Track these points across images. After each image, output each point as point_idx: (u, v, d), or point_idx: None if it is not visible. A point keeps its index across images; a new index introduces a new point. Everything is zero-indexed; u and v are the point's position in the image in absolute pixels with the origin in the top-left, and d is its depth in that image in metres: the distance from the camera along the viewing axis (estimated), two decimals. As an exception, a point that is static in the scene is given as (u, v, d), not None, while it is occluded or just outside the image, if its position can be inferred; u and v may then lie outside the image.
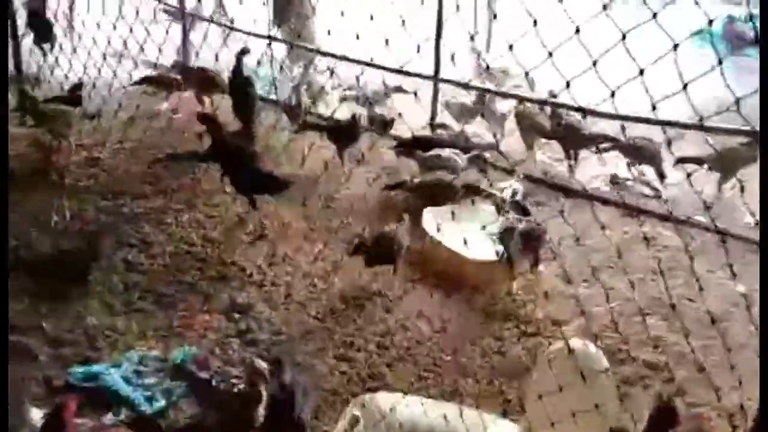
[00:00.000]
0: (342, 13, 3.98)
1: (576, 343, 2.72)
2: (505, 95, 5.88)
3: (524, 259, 4.12)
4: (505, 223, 4.17)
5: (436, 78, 5.82)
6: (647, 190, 5.47)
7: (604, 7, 2.40)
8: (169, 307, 3.89)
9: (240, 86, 5.83)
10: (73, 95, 5.90)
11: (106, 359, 3.42)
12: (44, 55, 7.49)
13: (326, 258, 4.35)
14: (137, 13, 5.94)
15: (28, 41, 7.29)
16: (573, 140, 5.63)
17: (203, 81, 6.50)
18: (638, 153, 5.39)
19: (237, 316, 3.81)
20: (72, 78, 6.23)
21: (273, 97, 6.52)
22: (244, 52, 5.90)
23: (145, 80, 6.52)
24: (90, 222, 4.76)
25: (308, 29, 7.09)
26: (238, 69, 5.85)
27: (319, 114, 6.26)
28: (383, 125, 5.87)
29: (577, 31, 2.38)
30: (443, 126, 6.03)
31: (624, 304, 3.88)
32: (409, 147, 5.38)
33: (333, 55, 6.46)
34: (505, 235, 4.09)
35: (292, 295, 4.06)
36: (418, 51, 3.72)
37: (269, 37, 6.87)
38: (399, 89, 6.33)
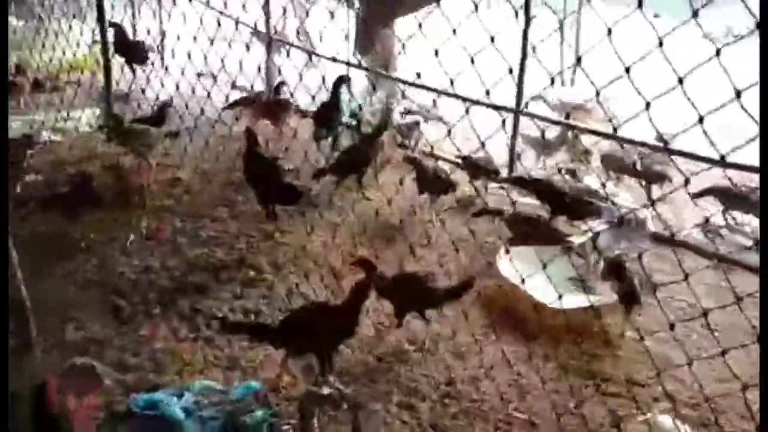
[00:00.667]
0: (436, 52, 3.85)
1: (665, 422, 2.44)
2: (589, 132, 5.64)
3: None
4: (611, 257, 3.92)
5: (517, 111, 5.62)
6: (744, 240, 5.05)
7: (718, 52, 2.17)
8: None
9: (327, 113, 5.92)
10: (159, 115, 6.07)
11: (170, 387, 3.38)
12: (134, 74, 7.81)
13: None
14: (214, 33, 6.04)
15: (119, 60, 7.63)
16: (657, 181, 5.39)
17: (277, 107, 6.60)
18: (737, 198, 4.99)
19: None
20: (158, 97, 6.46)
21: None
22: (342, 80, 6.04)
23: (237, 103, 6.67)
24: (166, 243, 4.83)
25: (392, 61, 7.05)
26: (334, 95, 5.95)
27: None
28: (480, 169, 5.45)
29: (681, 82, 2.17)
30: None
31: (716, 366, 3.53)
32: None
33: (415, 84, 6.44)
34: (613, 270, 3.84)
35: (359, 332, 3.92)
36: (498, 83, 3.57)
37: (352, 64, 6.90)
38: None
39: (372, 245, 4.71)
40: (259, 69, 7.69)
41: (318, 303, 3.75)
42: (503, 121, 4.10)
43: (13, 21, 11.65)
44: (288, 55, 6.20)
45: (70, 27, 9.64)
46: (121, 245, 4.74)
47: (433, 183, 5.18)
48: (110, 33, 7.76)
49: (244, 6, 5.71)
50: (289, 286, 4.34)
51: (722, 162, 3.66)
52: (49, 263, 4.42)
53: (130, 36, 8.33)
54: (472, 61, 4.02)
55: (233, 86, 7.30)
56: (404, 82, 6.68)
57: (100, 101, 7.20)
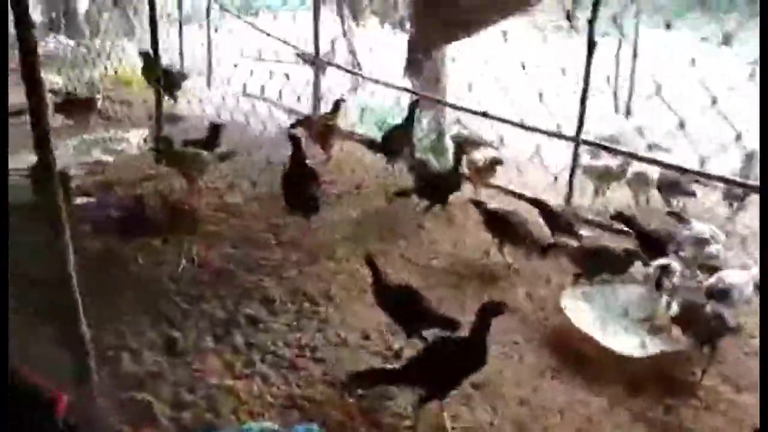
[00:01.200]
0: (496, 79, 3.75)
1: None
2: (650, 161, 5.48)
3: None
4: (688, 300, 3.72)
5: (578, 139, 5.46)
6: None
7: None
8: (290, 371, 3.71)
9: (400, 136, 5.99)
10: (210, 137, 6.04)
11: (227, 427, 3.27)
12: (175, 100, 7.81)
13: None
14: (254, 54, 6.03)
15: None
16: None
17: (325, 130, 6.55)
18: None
19: (360, 391, 3.55)
20: (206, 118, 6.46)
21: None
22: (417, 104, 6.16)
23: (298, 124, 6.63)
24: (217, 270, 4.75)
25: (441, 84, 6.94)
26: (410, 117, 6.00)
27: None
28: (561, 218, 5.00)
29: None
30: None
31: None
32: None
33: (469, 110, 6.33)
34: (689, 312, 3.63)
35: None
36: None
37: (400, 87, 6.81)
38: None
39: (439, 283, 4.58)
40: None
41: (445, 337, 3.50)
42: (575, 155, 3.95)
43: (63, 40, 11.94)
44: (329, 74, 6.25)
45: (123, 48, 9.83)
46: (172, 271, 4.67)
47: (505, 230, 4.80)
48: (139, 60, 7.82)
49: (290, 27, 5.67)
50: (343, 317, 4.21)
51: None
52: (101, 289, 4.36)
53: (169, 59, 8.32)
54: (540, 98, 3.98)
55: (284, 109, 7.28)
56: (457, 108, 6.61)
57: (150, 121, 7.21)
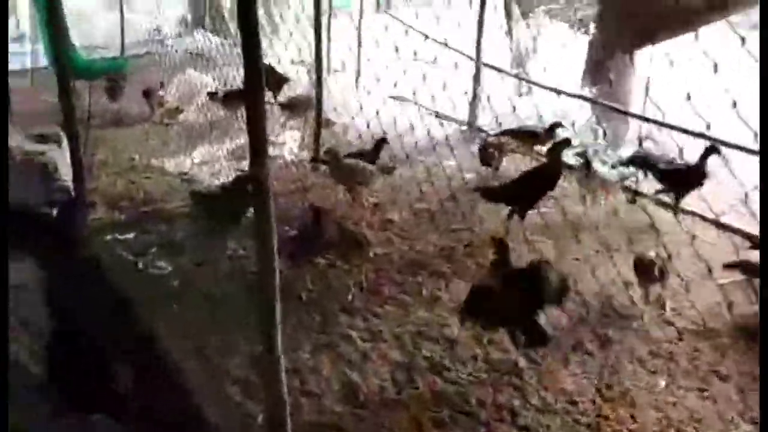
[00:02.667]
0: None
1: None
2: None
3: None
4: None
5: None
6: None
7: None
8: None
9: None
10: (375, 150, 5.66)
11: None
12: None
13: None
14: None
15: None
16: None
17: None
18: None
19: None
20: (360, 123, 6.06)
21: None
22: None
23: (506, 133, 6.06)
24: (388, 301, 4.33)
25: (627, 96, 6.16)
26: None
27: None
28: None
29: None
30: None
31: None
32: None
33: (658, 122, 5.56)
34: None
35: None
36: None
37: (577, 95, 6.13)
38: None
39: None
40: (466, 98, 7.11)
41: None
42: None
43: (210, 37, 12.07)
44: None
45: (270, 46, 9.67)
46: (342, 299, 4.30)
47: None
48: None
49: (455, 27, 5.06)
50: (540, 372, 3.64)
51: None
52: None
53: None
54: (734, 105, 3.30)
55: (437, 115, 6.79)
56: (645, 120, 5.83)
57: (305, 124, 6.96)
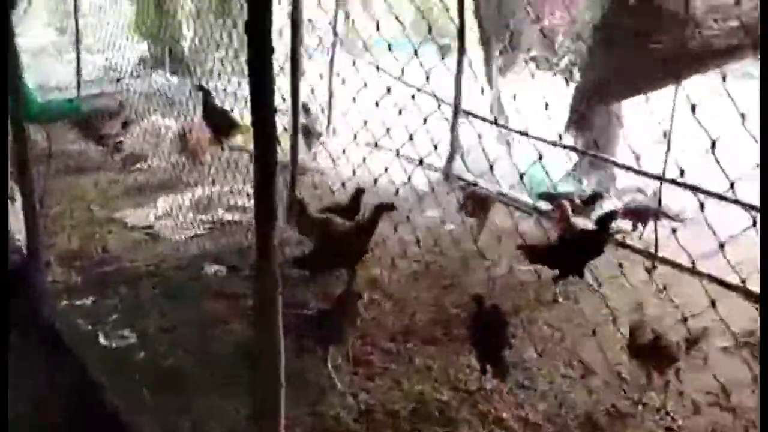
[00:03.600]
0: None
1: None
2: None
3: None
4: None
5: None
6: None
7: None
8: None
9: None
10: (354, 201, 5.33)
11: None
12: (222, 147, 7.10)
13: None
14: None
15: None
16: None
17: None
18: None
19: None
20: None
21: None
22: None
23: (542, 196, 5.74)
24: (375, 370, 3.95)
25: (610, 145, 6.04)
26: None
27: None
28: None
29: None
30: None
31: None
32: None
33: (641, 172, 5.45)
34: None
35: None
36: None
37: (558, 143, 5.98)
38: None
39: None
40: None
41: None
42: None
43: (168, 77, 11.63)
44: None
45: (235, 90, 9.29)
46: (329, 372, 3.91)
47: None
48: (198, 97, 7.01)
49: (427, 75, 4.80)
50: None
51: None
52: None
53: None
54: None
55: (420, 163, 6.46)
56: (626, 168, 5.70)
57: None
